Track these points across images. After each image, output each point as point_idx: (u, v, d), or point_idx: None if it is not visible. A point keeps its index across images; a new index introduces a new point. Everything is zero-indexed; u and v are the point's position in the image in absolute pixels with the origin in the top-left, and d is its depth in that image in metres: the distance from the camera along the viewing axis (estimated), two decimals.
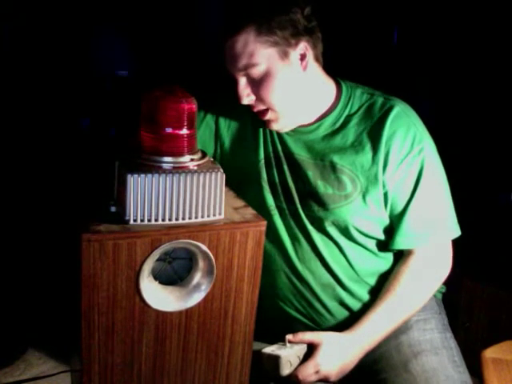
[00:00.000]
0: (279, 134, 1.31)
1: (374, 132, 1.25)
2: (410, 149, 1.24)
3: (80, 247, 0.87)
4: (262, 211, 1.20)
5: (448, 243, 1.31)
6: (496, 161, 2.24)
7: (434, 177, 1.27)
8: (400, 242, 1.28)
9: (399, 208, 1.27)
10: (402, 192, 1.26)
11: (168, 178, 0.91)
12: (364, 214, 1.26)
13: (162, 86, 0.96)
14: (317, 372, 1.19)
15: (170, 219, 0.92)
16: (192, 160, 0.95)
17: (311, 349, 1.23)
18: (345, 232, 1.27)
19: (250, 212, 1.02)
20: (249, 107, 1.27)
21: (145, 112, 0.95)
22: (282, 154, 1.30)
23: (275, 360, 1.19)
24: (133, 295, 0.92)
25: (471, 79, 2.34)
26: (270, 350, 1.20)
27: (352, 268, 1.30)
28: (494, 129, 2.26)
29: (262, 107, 1.25)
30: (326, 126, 1.29)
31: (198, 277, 0.97)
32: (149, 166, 0.93)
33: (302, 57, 1.23)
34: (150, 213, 0.91)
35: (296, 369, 1.20)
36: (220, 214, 0.97)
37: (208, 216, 0.95)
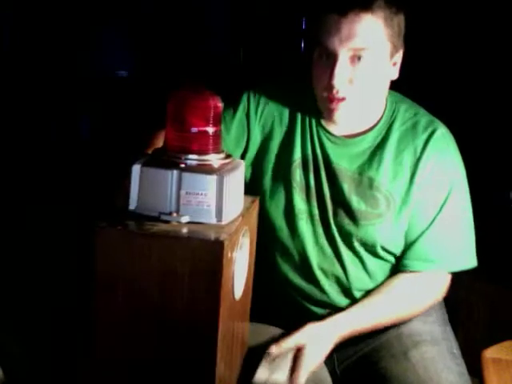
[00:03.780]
0: (320, 139, 1.27)
1: (416, 154, 1.24)
2: (441, 173, 1.24)
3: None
4: (288, 214, 1.25)
5: (449, 273, 1.29)
6: (497, 160, 2.30)
7: (458, 204, 1.26)
8: (410, 265, 1.27)
9: (416, 230, 1.25)
10: (423, 213, 1.25)
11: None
12: (393, 234, 1.25)
13: (187, 85, 0.96)
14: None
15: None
16: (221, 158, 0.98)
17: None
18: (371, 249, 1.26)
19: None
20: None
21: (173, 111, 0.95)
22: (320, 158, 1.26)
23: None
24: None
25: (467, 77, 2.40)
26: (263, 376, 1.10)
27: (371, 281, 1.29)
28: (493, 128, 2.34)
29: (342, 95, 1.17)
30: (368, 140, 1.26)
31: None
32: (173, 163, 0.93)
33: (394, 64, 1.21)
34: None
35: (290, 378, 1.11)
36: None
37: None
